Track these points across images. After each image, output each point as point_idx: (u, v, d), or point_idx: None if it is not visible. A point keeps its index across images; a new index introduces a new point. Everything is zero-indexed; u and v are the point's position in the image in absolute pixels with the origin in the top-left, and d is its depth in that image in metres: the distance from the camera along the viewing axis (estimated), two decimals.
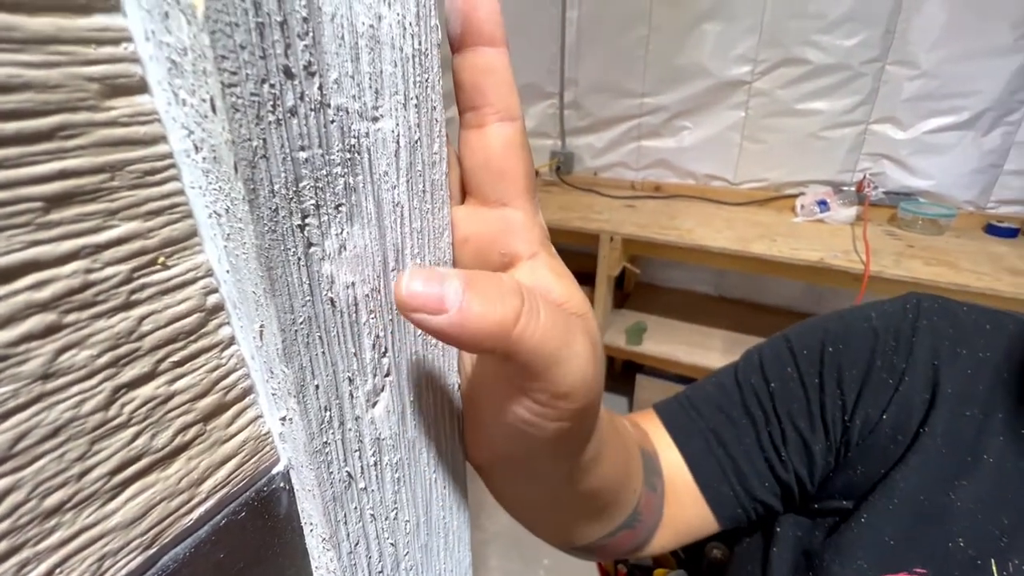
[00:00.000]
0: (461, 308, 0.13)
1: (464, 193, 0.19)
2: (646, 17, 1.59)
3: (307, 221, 0.13)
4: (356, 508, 0.17)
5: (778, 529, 0.37)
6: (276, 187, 0.12)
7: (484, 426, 0.20)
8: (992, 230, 1.37)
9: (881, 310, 0.37)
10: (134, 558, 0.12)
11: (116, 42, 0.10)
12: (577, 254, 1.52)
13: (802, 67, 1.47)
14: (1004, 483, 0.29)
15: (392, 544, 0.19)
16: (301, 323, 0.13)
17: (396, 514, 0.19)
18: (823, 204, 1.46)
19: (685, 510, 0.37)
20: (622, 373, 1.83)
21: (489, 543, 1.40)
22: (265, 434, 0.14)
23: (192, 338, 0.12)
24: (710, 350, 1.54)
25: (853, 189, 1.49)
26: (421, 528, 0.20)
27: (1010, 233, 1.34)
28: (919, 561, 0.29)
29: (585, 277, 1.47)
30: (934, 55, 1.33)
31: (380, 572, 0.18)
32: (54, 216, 0.10)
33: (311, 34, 0.12)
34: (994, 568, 0.27)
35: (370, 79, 0.14)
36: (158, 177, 0.11)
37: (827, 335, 0.37)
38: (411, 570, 0.20)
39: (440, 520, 0.22)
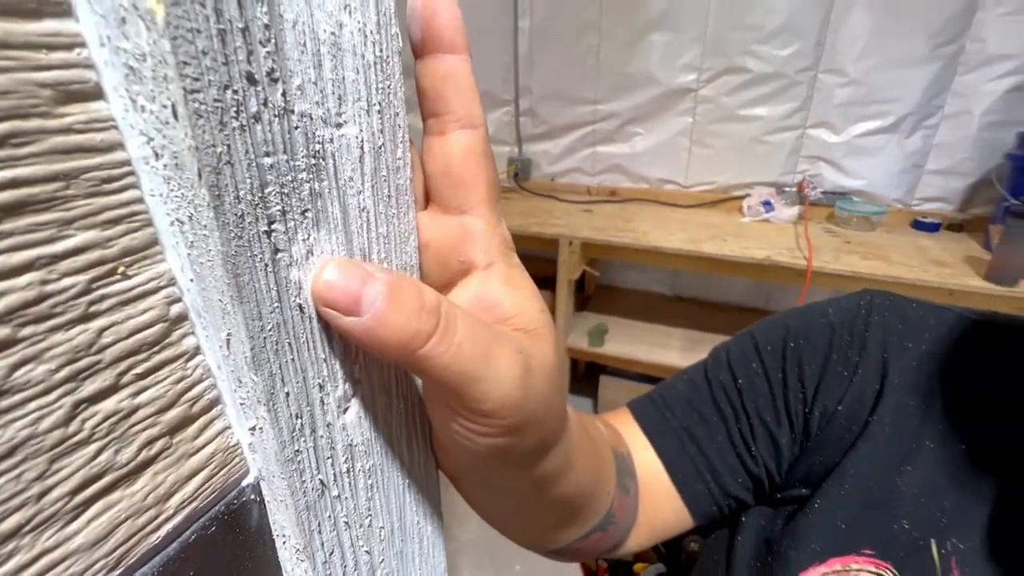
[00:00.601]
0: (375, 315, 0.13)
1: (427, 199, 0.19)
2: (596, 27, 1.64)
3: (273, 227, 0.13)
4: (330, 516, 0.16)
5: (743, 519, 0.38)
6: (241, 193, 0.12)
7: (438, 436, 0.20)
8: (918, 225, 1.48)
9: (837, 307, 0.39)
10: None
11: (69, 47, 0.10)
12: (537, 259, 1.54)
13: (743, 75, 1.54)
14: (944, 468, 0.31)
15: (367, 552, 0.19)
16: (270, 330, 0.13)
17: (370, 521, 0.18)
18: (768, 204, 1.54)
19: (661, 508, 0.38)
20: (585, 375, 1.85)
21: (460, 553, 1.39)
22: (234, 445, 0.14)
23: (155, 349, 0.12)
24: (669, 349, 1.58)
25: (794, 190, 1.58)
26: (396, 535, 0.20)
27: (933, 228, 1.46)
28: (867, 543, 0.30)
29: (546, 281, 1.49)
30: (861, 64, 1.43)
31: None
32: (6, 226, 0.09)
33: (273, 41, 0.12)
34: (934, 548, 0.29)
35: (333, 85, 0.14)
36: (116, 185, 0.11)
37: (788, 331, 0.39)
38: None
39: (414, 526, 0.22)
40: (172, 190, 0.11)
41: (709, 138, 1.65)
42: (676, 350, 1.58)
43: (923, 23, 1.34)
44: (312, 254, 0.14)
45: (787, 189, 1.60)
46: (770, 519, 0.37)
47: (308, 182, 0.13)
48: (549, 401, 0.18)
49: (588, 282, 1.94)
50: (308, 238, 0.14)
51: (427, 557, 0.23)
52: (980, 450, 0.31)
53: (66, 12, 0.10)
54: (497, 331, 0.17)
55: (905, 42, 1.37)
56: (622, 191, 1.81)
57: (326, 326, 0.15)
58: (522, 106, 1.84)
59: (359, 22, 0.14)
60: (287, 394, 0.14)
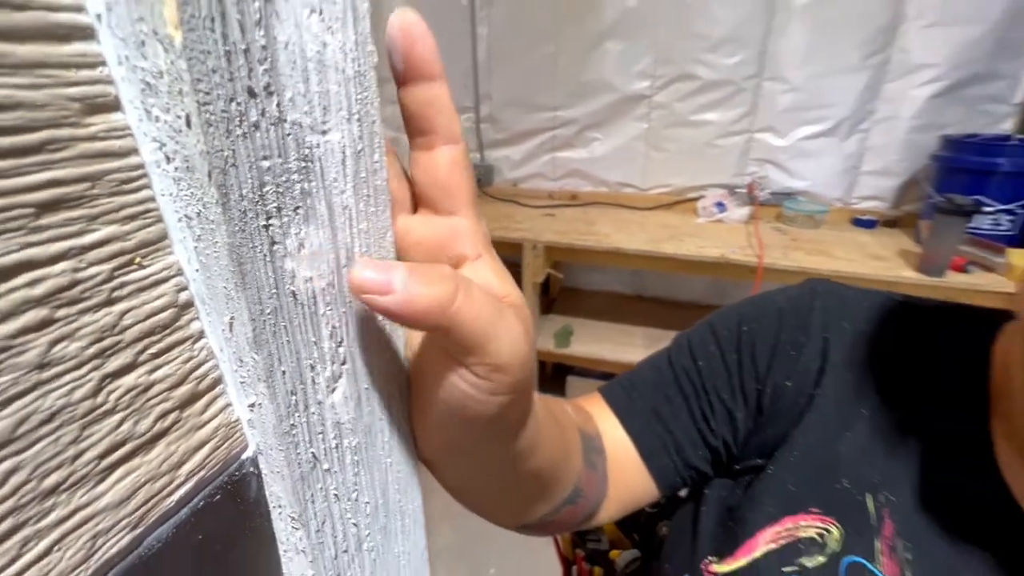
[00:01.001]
0: (407, 289, 0.16)
1: (416, 205, 0.22)
2: (552, 35, 1.68)
3: (270, 222, 0.14)
4: (321, 488, 0.18)
5: (706, 491, 0.42)
6: (244, 191, 0.13)
7: (431, 412, 0.22)
8: (857, 222, 1.59)
9: (785, 294, 0.43)
10: (123, 537, 0.12)
11: (93, 66, 0.11)
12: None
13: (694, 82, 1.62)
14: (877, 432, 0.35)
15: (355, 524, 0.20)
16: (268, 313, 0.15)
17: (357, 495, 0.20)
18: (721, 206, 1.61)
19: (630, 482, 0.42)
20: (553, 376, 1.88)
21: (433, 561, 1.39)
22: (235, 421, 0.15)
23: (167, 331, 0.13)
24: (633, 347, 1.64)
25: (745, 191, 1.66)
26: (380, 510, 0.22)
27: (870, 224, 1.57)
28: (814, 502, 0.34)
29: None
30: (801, 72, 1.53)
31: (345, 551, 0.20)
32: (44, 221, 0.11)
33: (269, 59, 0.13)
34: (869, 502, 0.33)
35: (319, 97, 0.15)
36: (132, 185, 0.12)
37: (742, 317, 0.43)
38: (372, 551, 0.22)
39: (396, 503, 0.23)
40: (182, 190, 0.13)
41: (664, 142, 1.73)
42: (640, 348, 1.63)
43: (853, 34, 1.45)
44: (303, 246, 0.16)
45: (738, 191, 1.68)
46: (730, 490, 0.41)
47: (299, 182, 0.15)
48: (535, 368, 0.21)
49: (552, 285, 1.98)
50: (299, 232, 0.15)
51: (408, 534, 0.25)
52: (904, 420, 0.35)
53: (90, 36, 0.11)
54: (500, 300, 0.19)
55: (838, 52, 1.47)
56: (583, 195, 1.86)
57: (314, 312, 0.16)
58: (482, 112, 1.87)
59: (340, 41, 0.16)
60: (284, 372, 0.15)
